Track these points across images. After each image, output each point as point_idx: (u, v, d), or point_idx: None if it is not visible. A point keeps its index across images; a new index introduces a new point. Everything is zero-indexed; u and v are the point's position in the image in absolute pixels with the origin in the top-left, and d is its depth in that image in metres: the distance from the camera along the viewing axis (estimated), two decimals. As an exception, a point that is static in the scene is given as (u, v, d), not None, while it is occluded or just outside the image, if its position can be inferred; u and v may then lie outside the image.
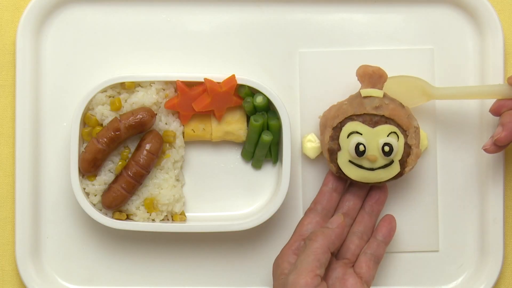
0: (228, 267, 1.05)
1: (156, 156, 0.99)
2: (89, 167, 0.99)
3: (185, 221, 1.03)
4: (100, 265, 1.05)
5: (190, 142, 1.04)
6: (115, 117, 1.00)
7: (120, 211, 1.01)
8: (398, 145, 0.96)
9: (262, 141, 1.01)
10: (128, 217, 1.02)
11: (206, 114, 1.02)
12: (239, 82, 1.00)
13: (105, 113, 1.00)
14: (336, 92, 1.04)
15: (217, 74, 1.01)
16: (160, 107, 1.01)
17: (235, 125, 1.02)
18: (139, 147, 1.00)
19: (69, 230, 1.05)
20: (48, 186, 1.04)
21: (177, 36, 1.05)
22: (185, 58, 1.05)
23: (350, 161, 0.97)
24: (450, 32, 1.05)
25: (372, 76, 0.97)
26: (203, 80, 1.00)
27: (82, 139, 1.01)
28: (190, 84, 1.01)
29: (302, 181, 1.05)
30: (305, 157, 1.05)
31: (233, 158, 1.05)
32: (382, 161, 0.97)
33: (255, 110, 1.02)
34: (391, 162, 0.97)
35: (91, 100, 1.00)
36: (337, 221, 0.95)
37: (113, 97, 1.01)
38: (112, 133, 0.98)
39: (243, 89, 1.01)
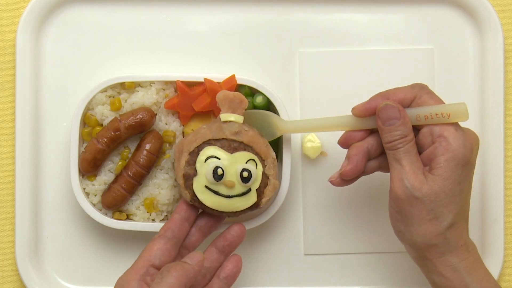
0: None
1: (156, 156, 0.99)
2: (89, 167, 0.99)
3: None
4: (100, 265, 1.05)
5: (190, 142, 1.04)
6: (115, 117, 1.00)
7: (120, 211, 1.01)
8: (257, 173, 0.93)
9: (262, 141, 1.01)
10: (128, 217, 1.02)
11: (206, 114, 1.01)
12: (239, 82, 1.00)
13: (105, 113, 1.00)
14: (336, 92, 1.05)
15: (217, 74, 1.01)
16: (160, 107, 1.01)
17: (235, 125, 1.02)
18: (139, 147, 1.00)
19: (69, 230, 1.05)
20: (48, 186, 1.04)
21: (177, 36, 1.05)
22: (185, 58, 1.05)
23: (206, 186, 0.93)
24: (450, 32, 1.05)
25: (232, 101, 0.94)
26: (203, 80, 1.00)
27: (82, 139, 1.01)
28: (190, 84, 1.01)
29: (302, 181, 1.05)
30: (305, 157, 1.05)
31: (233, 158, 1.05)
32: (240, 188, 0.93)
33: (255, 110, 1.02)
34: (249, 190, 0.94)
35: (91, 100, 1.00)
36: (198, 258, 0.88)
37: (113, 97, 1.01)
38: (112, 133, 0.98)
39: (243, 89, 1.01)
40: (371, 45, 1.05)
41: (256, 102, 1.00)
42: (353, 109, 0.92)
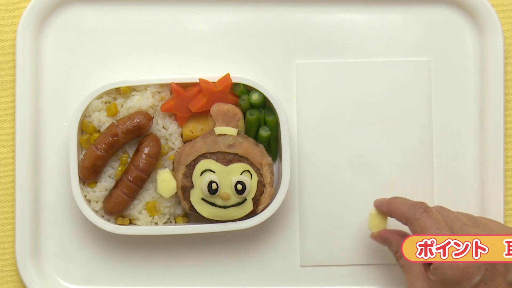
0: (228, 267, 1.05)
1: (156, 159, 0.99)
2: (89, 174, 0.99)
3: (188, 222, 1.03)
4: (100, 265, 1.05)
5: (189, 143, 1.04)
6: (112, 122, 1.00)
7: (123, 216, 1.01)
8: (251, 183, 0.97)
9: (261, 137, 1.01)
10: (131, 222, 1.02)
11: (203, 114, 1.01)
12: (233, 80, 1.00)
13: (102, 119, 1.00)
14: (334, 91, 1.04)
15: (212, 74, 1.01)
16: (156, 110, 1.01)
17: (233, 124, 1.02)
18: (137, 151, 1.00)
19: (68, 230, 1.05)
20: (48, 186, 1.04)
21: (177, 37, 1.05)
22: (184, 59, 1.04)
23: (202, 198, 0.97)
24: (450, 32, 1.05)
25: (226, 114, 0.98)
26: (198, 81, 0.99)
27: (80, 146, 1.01)
28: (185, 85, 1.01)
29: (298, 189, 1.05)
30: (302, 164, 1.05)
31: (232, 157, 1.05)
32: (235, 199, 0.97)
33: (251, 107, 1.01)
34: (244, 200, 0.97)
35: (87, 107, 1.00)
36: None
37: (109, 103, 1.01)
38: (110, 138, 0.98)
39: (239, 88, 1.01)
40: (372, 43, 1.05)
41: (252, 100, 1.00)
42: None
